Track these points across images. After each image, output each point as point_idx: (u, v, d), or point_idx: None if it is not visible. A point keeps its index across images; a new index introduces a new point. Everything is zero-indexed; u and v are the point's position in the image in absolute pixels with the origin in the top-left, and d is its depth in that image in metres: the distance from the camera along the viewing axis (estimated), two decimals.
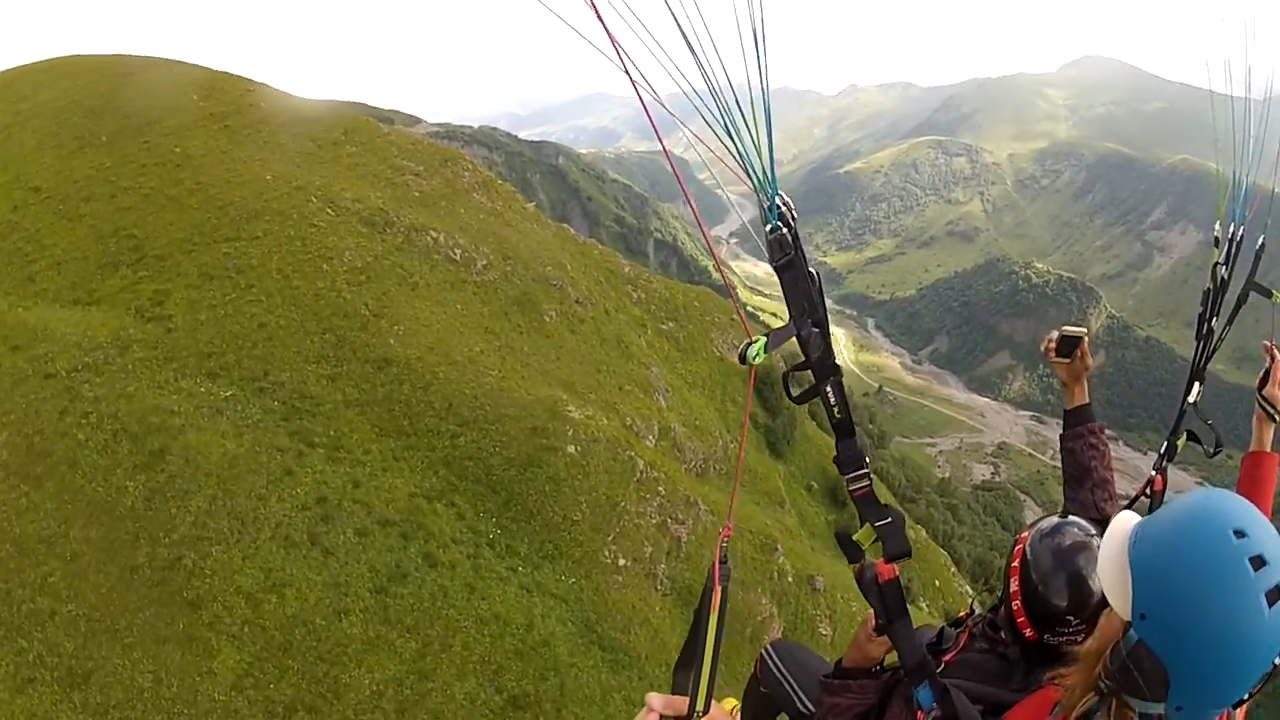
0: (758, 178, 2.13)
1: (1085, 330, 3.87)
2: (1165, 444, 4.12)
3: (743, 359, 2.07)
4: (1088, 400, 3.97)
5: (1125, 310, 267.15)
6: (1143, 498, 3.96)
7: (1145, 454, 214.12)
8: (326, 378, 23.94)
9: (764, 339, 2.07)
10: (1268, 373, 3.93)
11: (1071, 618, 2.79)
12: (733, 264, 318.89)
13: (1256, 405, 3.94)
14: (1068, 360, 3.94)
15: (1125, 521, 2.19)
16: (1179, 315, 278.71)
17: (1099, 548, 2.28)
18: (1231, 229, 3.99)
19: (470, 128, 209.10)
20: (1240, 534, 1.92)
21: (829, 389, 2.38)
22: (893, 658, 2.95)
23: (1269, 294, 4.26)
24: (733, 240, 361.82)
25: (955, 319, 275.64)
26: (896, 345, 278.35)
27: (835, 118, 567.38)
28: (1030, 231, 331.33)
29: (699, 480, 32.86)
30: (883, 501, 2.58)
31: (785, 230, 2.18)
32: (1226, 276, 3.99)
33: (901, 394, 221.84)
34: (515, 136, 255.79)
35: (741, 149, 2.04)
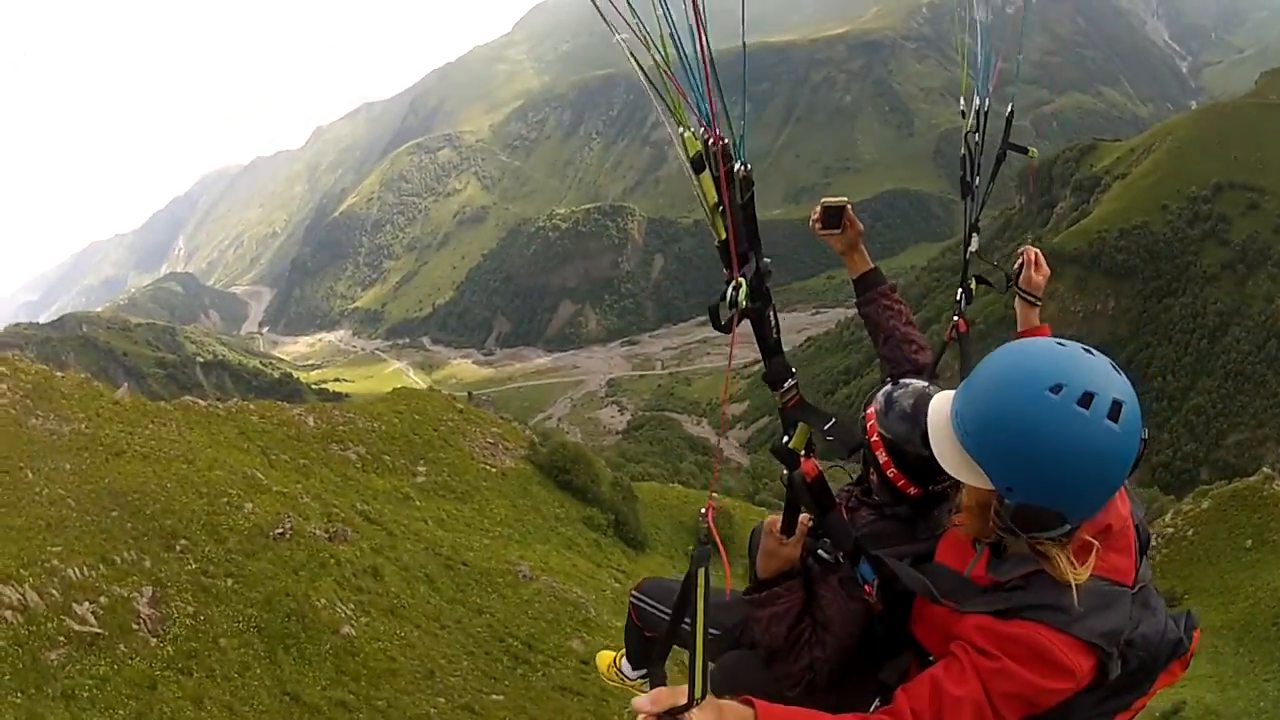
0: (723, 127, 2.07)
1: (845, 200, 3.86)
2: (960, 290, 4.41)
3: (730, 303, 2.12)
4: (871, 265, 4.01)
5: (659, 210, 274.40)
6: (952, 342, 4.24)
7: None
8: None
9: (742, 280, 2.12)
10: (1021, 267, 3.97)
11: None
12: (275, 351, 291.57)
13: (1017, 297, 3.97)
14: (838, 231, 3.88)
15: (942, 404, 2.42)
16: None
17: (935, 393, 2.75)
18: (977, 102, 4.39)
19: None
20: (1057, 387, 2.08)
21: (769, 311, 2.41)
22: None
23: (1025, 151, 4.72)
24: (264, 330, 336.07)
25: (503, 297, 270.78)
26: (462, 349, 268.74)
27: (311, 168, 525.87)
28: (538, 186, 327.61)
29: None
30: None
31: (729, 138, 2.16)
32: (979, 141, 4.38)
33: (492, 389, 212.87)
34: (37, 323, 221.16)
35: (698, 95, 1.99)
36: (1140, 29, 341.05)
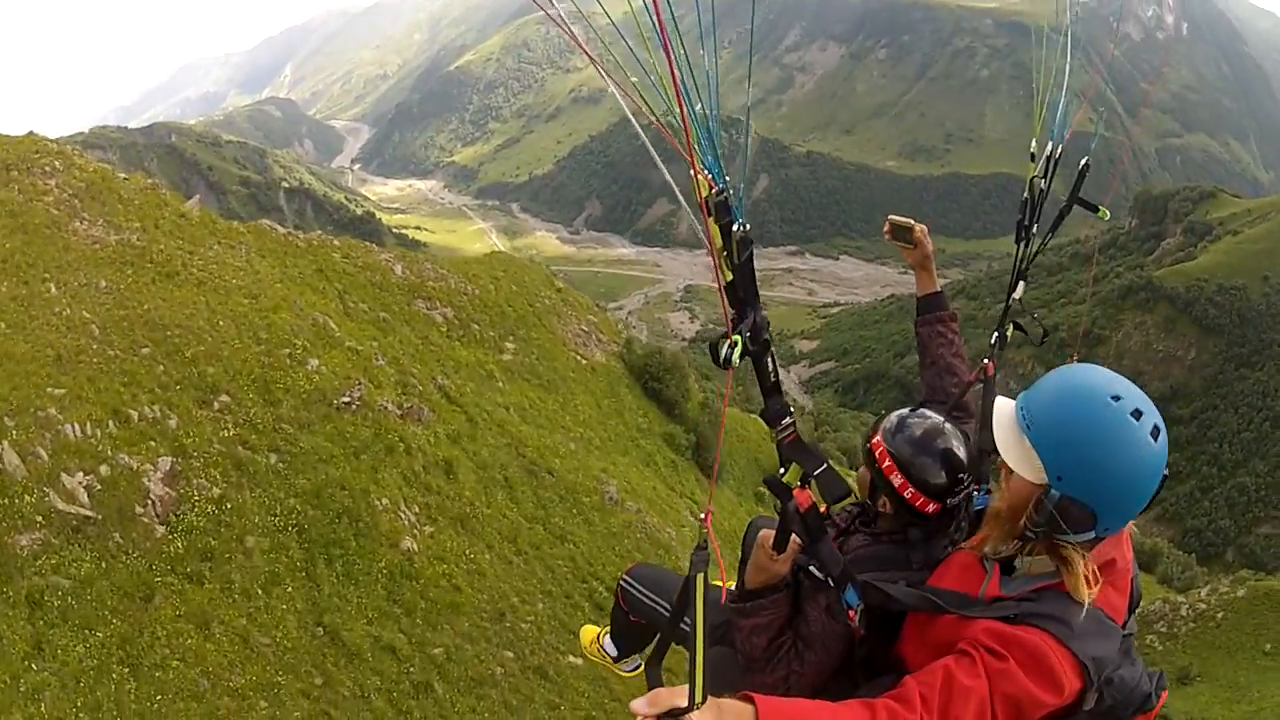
0: (700, 147, 2.11)
1: (913, 221, 3.98)
2: (995, 334, 4.28)
3: (724, 362, 2.21)
4: (936, 288, 4.08)
5: (775, 132, 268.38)
6: (977, 382, 4.17)
7: (837, 259, 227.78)
8: None
9: (738, 338, 2.21)
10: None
11: (962, 476, 3.10)
12: (362, 189, 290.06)
13: None
14: (909, 246, 4.01)
15: (1006, 406, 2.61)
16: (834, 125, 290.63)
17: (945, 422, 3.13)
18: (1050, 147, 4.24)
19: (81, 134, 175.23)
20: (1116, 398, 2.37)
21: (767, 357, 2.51)
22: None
23: (1095, 209, 4.56)
24: (355, 166, 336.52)
25: (602, 181, 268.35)
26: (549, 222, 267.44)
27: (434, 19, 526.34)
28: (658, 81, 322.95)
29: None
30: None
31: (730, 192, 2.17)
32: (1045, 188, 4.23)
33: (570, 268, 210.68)
34: (125, 128, 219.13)
35: (681, 112, 2.03)
36: (1278, 95, 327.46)
